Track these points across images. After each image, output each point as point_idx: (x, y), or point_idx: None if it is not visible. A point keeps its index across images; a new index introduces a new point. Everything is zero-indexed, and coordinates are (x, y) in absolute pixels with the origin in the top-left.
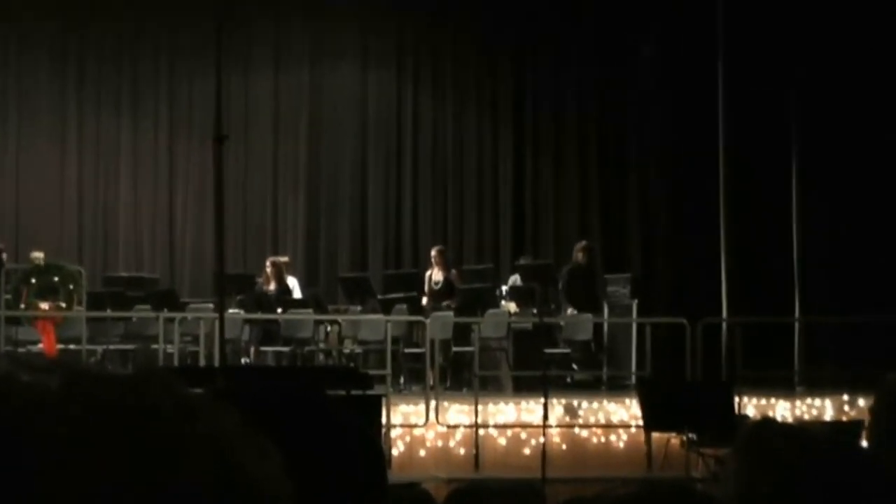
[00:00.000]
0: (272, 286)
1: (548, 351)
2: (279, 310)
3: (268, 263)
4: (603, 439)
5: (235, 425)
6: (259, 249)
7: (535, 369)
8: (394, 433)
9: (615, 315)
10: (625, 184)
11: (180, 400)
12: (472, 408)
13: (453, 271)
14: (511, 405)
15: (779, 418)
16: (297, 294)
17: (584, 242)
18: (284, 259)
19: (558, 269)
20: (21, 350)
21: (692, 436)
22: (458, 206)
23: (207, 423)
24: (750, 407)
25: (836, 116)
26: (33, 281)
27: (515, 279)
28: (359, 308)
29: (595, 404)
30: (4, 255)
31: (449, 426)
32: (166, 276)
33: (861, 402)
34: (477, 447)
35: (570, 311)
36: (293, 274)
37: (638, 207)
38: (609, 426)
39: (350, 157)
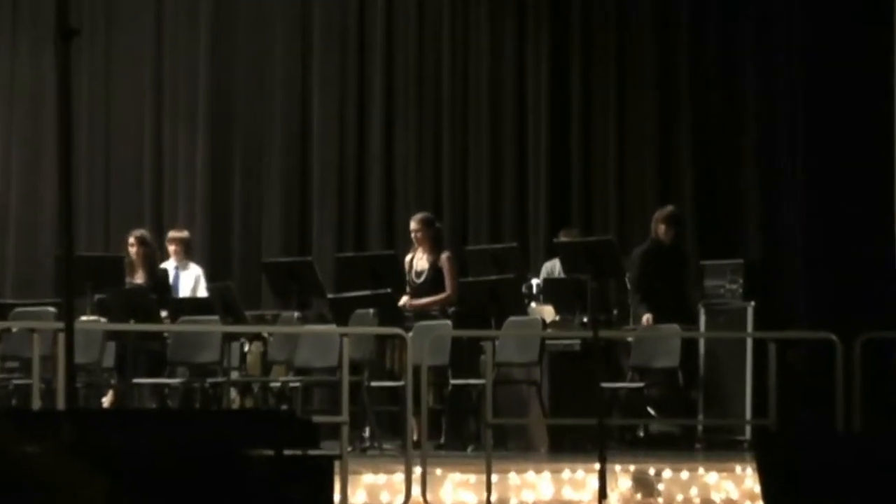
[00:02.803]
0: (139, 277)
1: (607, 385)
2: (165, 316)
3: (130, 239)
4: None
5: (94, 499)
6: (132, 218)
7: (587, 415)
8: None
9: (718, 326)
10: (732, 120)
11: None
12: (483, 478)
13: (446, 254)
14: (546, 474)
15: None
16: (200, 291)
17: (669, 209)
18: (181, 234)
19: (625, 250)
20: None
21: None
22: (460, 150)
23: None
24: None
25: None
26: None
27: (553, 267)
28: (296, 314)
29: (685, 473)
30: None
31: None
32: None
33: None
34: None
35: (644, 318)
36: (195, 259)
37: (754, 156)
38: None
39: (283, 68)
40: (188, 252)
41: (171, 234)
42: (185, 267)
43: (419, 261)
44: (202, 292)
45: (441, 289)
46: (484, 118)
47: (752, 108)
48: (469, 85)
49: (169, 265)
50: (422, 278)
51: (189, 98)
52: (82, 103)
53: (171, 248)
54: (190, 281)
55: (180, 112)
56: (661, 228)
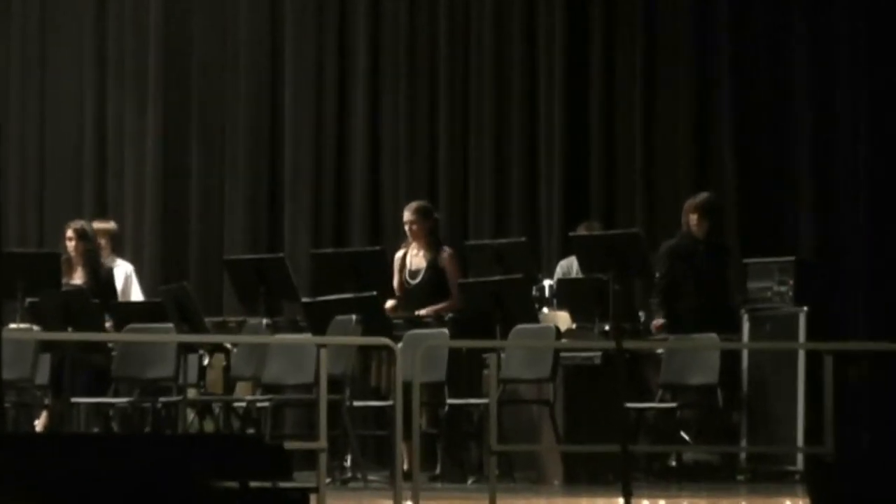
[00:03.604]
0: (78, 277)
1: (632, 406)
2: (108, 324)
3: (68, 232)
4: None
5: None
6: (71, 208)
7: (608, 441)
8: None
9: (764, 335)
10: (782, 92)
11: None
12: None
13: (446, 251)
14: None
15: None
16: (134, 293)
17: (702, 196)
18: (107, 225)
19: (653, 246)
20: None
21: None
22: (459, 128)
23: None
24: None
25: None
26: None
27: (569, 266)
28: (264, 321)
29: None
30: None
31: None
32: None
33: None
34: None
35: (654, 323)
36: (124, 255)
37: (808, 135)
38: None
39: (249, 29)
40: (116, 247)
41: (96, 224)
42: (111, 264)
43: (414, 258)
44: (136, 294)
45: (440, 292)
46: (487, 89)
47: (805, 78)
48: (470, 51)
49: None
50: (417, 279)
51: (138, 65)
52: (12, 73)
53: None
54: (118, 281)
55: (127, 82)
56: (693, 219)
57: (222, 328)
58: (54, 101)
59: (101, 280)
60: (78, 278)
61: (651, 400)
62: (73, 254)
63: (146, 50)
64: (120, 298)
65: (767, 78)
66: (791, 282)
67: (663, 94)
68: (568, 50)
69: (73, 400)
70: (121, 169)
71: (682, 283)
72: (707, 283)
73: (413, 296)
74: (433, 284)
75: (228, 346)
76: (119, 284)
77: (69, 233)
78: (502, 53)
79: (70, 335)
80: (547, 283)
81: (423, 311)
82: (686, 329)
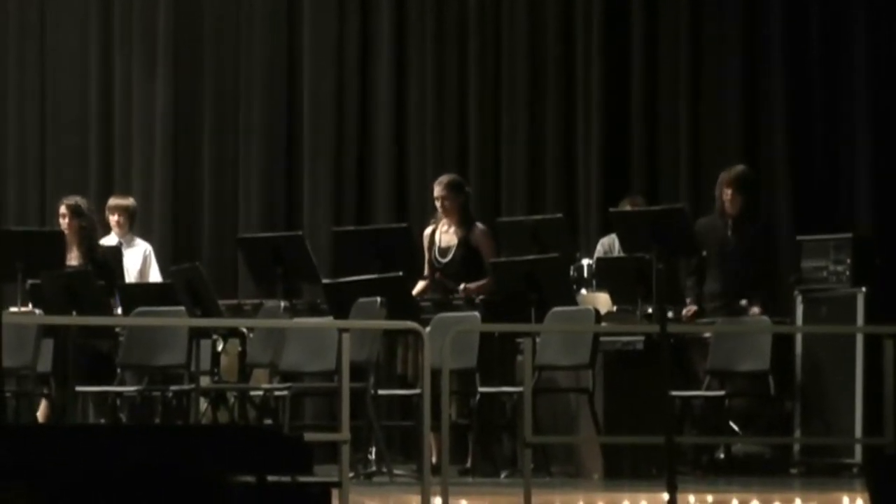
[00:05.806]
0: (74, 257)
1: (677, 394)
2: (115, 305)
3: (61, 209)
4: None
5: None
6: (74, 183)
7: (651, 432)
8: None
9: (818, 319)
10: (837, 54)
11: None
12: None
13: (479, 227)
14: None
15: None
16: (153, 275)
17: (738, 169)
18: (125, 202)
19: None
20: None
21: None
22: (490, 94)
23: None
24: None
25: None
26: None
27: (610, 244)
28: (282, 304)
29: None
30: None
31: None
32: None
33: None
34: None
35: (685, 311)
36: (143, 235)
37: (865, 100)
38: None
39: None
40: (133, 224)
41: (112, 201)
42: (129, 243)
43: (444, 235)
44: (154, 275)
45: (471, 271)
46: (521, 53)
47: (863, 42)
48: (502, 10)
49: (110, 241)
50: (448, 257)
51: (145, 25)
52: (9, 37)
53: (113, 218)
54: (136, 261)
55: (135, 46)
56: (727, 194)
57: (237, 312)
58: (56, 67)
59: (98, 261)
60: (74, 258)
61: (698, 388)
62: (66, 232)
63: (155, 8)
64: (137, 279)
65: (822, 43)
66: (848, 260)
67: (710, 59)
68: (607, 10)
69: (78, 388)
70: (127, 140)
71: (709, 266)
72: (731, 266)
73: (442, 276)
74: (465, 262)
75: (244, 330)
76: (137, 264)
77: (62, 209)
78: (537, 15)
79: (74, 319)
80: (586, 262)
81: (465, 287)
82: (707, 316)
